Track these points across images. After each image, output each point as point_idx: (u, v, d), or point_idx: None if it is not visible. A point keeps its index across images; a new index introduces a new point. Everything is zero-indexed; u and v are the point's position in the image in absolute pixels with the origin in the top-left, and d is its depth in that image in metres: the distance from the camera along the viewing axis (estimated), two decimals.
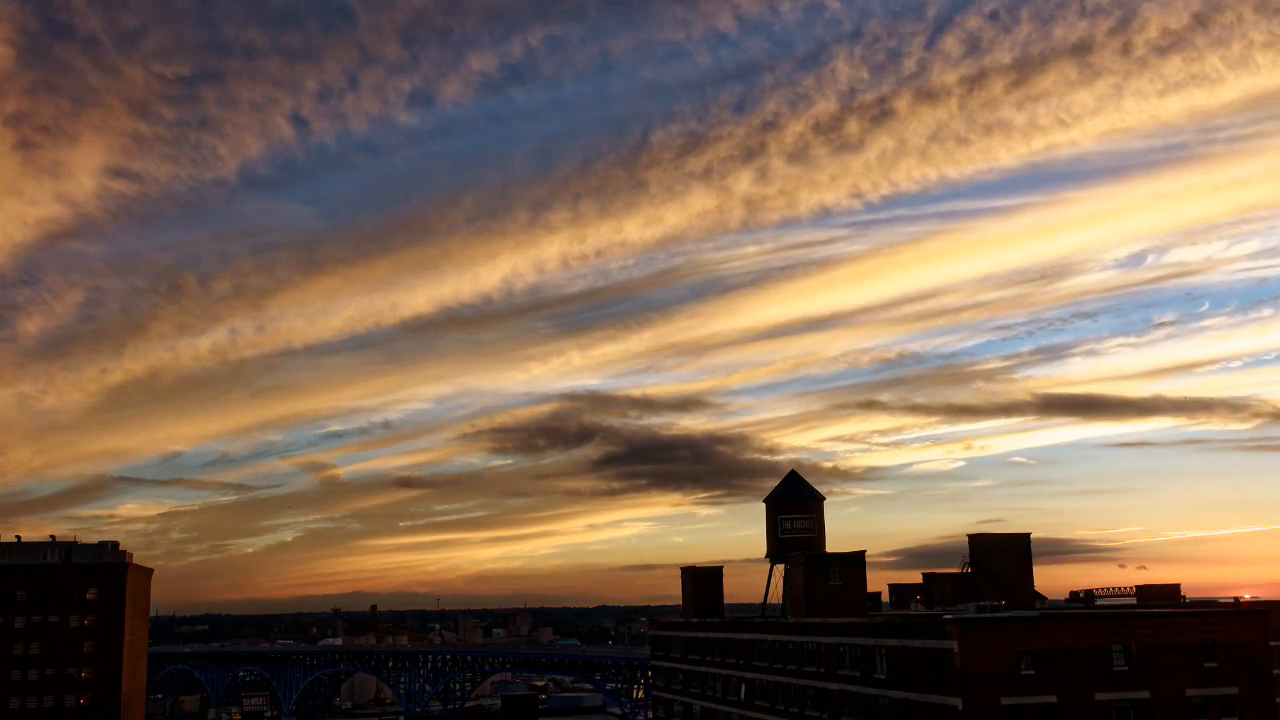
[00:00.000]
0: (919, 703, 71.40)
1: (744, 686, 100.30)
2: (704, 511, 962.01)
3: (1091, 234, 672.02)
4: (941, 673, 68.99)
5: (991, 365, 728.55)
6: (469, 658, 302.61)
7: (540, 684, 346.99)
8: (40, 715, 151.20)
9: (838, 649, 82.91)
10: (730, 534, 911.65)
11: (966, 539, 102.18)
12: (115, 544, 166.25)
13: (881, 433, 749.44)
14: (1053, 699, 67.91)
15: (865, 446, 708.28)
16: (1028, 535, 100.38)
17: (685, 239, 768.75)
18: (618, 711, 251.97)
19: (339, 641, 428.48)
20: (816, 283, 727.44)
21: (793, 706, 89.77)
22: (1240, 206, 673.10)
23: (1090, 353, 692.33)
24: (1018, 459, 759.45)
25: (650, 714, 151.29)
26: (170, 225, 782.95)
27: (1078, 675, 68.79)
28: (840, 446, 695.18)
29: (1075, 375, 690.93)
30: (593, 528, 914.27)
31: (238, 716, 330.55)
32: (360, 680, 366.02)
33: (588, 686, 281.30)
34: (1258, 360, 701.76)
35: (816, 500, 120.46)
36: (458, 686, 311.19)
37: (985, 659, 67.59)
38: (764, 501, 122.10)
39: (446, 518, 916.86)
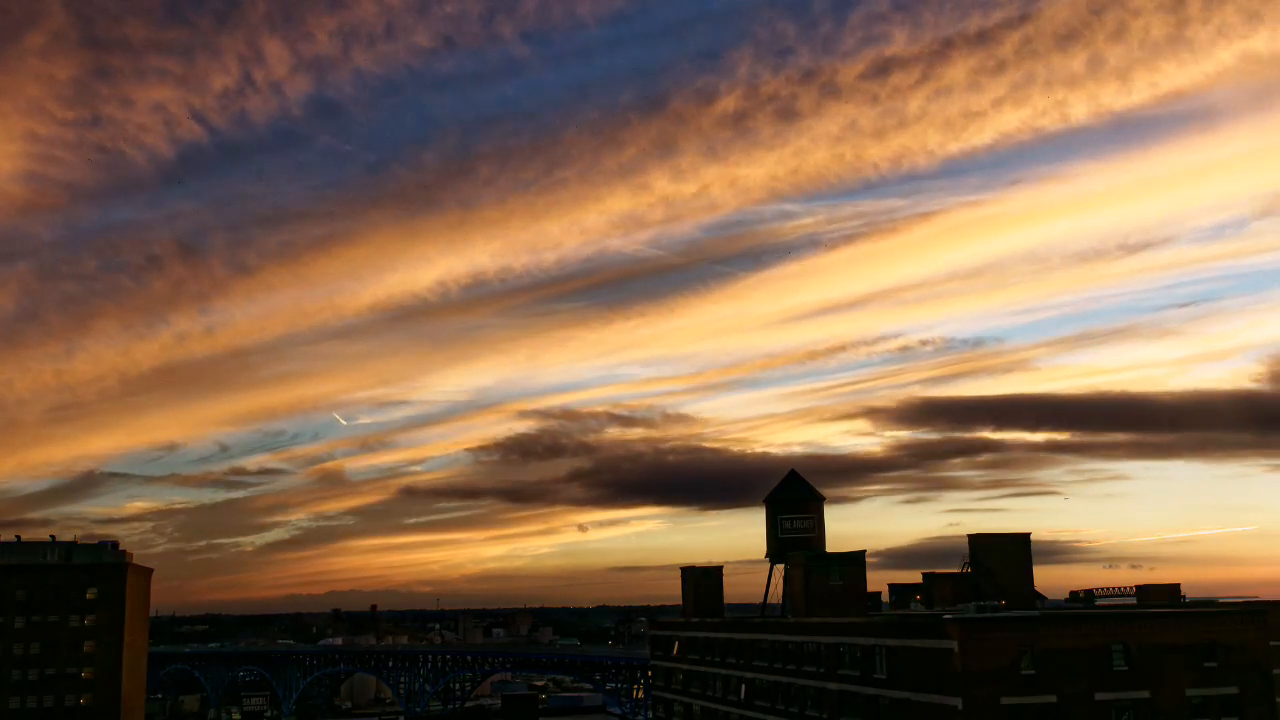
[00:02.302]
0: (919, 703, 71.44)
1: (744, 686, 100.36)
2: (704, 512, 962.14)
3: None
4: (941, 673, 69.04)
5: (1006, 358, 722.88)
6: (469, 658, 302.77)
7: (540, 684, 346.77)
8: (40, 715, 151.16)
9: (838, 649, 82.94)
10: (730, 534, 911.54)
11: (966, 539, 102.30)
12: (115, 543, 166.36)
13: (889, 427, 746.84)
14: (1053, 699, 67.93)
15: (867, 444, 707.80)
16: (1028, 535, 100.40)
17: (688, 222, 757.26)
18: (618, 711, 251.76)
19: (339, 641, 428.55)
20: (798, 275, 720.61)
21: (793, 706, 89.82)
22: None
23: (1101, 345, 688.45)
24: (1007, 453, 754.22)
25: (650, 714, 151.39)
26: (92, 225, 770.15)
27: (1078, 675, 68.79)
28: (841, 445, 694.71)
29: (1090, 367, 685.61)
30: (584, 527, 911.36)
31: (238, 716, 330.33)
32: (360, 680, 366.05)
33: (587, 686, 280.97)
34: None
35: (816, 500, 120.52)
36: (458, 686, 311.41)
37: (985, 659, 67.60)
38: (764, 501, 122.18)
39: (447, 517, 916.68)
